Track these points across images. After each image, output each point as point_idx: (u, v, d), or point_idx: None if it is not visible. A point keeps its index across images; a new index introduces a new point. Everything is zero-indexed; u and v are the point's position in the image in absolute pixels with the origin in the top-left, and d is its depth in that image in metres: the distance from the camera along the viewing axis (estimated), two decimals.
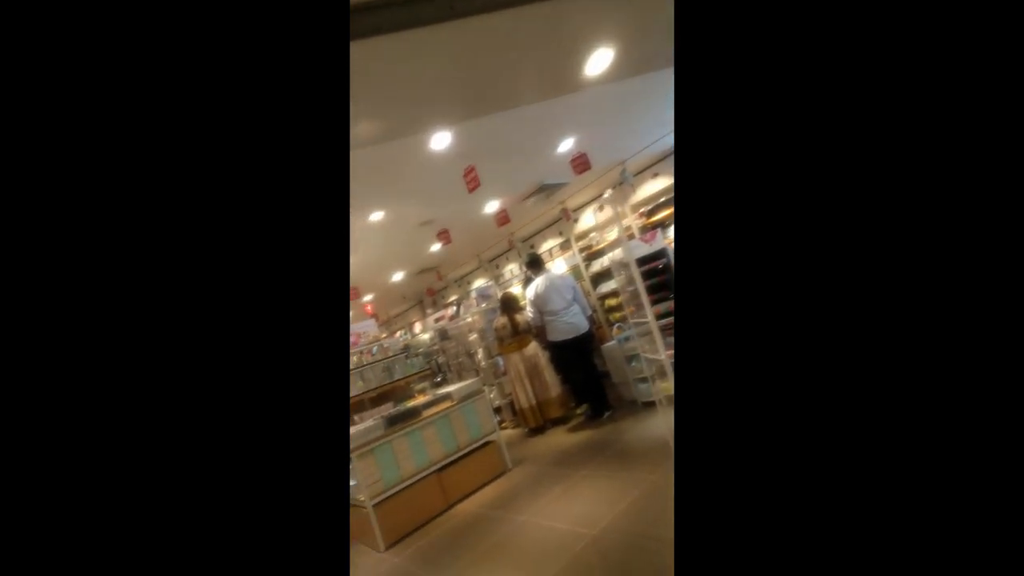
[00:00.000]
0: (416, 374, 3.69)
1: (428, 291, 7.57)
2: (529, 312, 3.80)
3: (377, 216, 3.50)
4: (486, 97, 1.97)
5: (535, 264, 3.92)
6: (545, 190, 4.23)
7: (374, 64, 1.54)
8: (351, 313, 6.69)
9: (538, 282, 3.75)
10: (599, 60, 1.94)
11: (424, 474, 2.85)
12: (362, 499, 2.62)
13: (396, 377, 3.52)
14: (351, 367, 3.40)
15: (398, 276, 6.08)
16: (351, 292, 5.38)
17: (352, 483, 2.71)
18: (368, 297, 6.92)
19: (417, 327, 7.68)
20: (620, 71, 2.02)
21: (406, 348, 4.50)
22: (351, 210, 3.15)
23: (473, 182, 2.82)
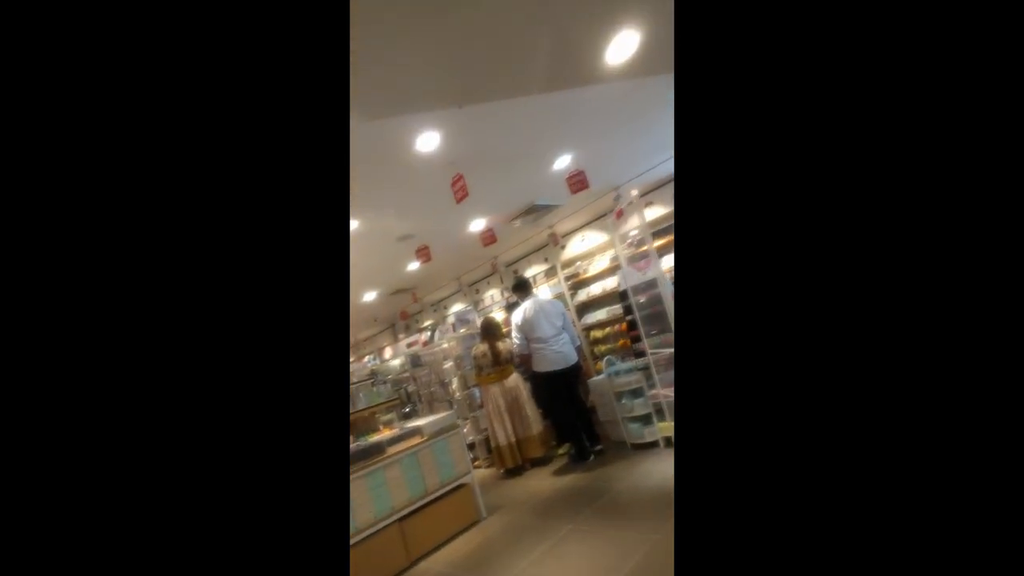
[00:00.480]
0: (382, 404, 3.28)
1: (402, 314, 7.17)
2: (515, 339, 3.46)
3: (352, 225, 3.17)
4: (489, 78, 1.70)
5: (522, 287, 3.63)
6: (535, 211, 4.00)
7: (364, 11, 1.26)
8: None
9: (526, 306, 3.45)
10: (623, 45, 1.71)
11: (384, 523, 2.42)
12: None
13: (360, 407, 3.11)
14: None
15: (370, 296, 5.69)
16: None
17: None
18: None
19: (387, 352, 7.23)
20: (644, 63, 1.80)
21: (373, 374, 4.09)
22: None
23: (461, 191, 2.54)
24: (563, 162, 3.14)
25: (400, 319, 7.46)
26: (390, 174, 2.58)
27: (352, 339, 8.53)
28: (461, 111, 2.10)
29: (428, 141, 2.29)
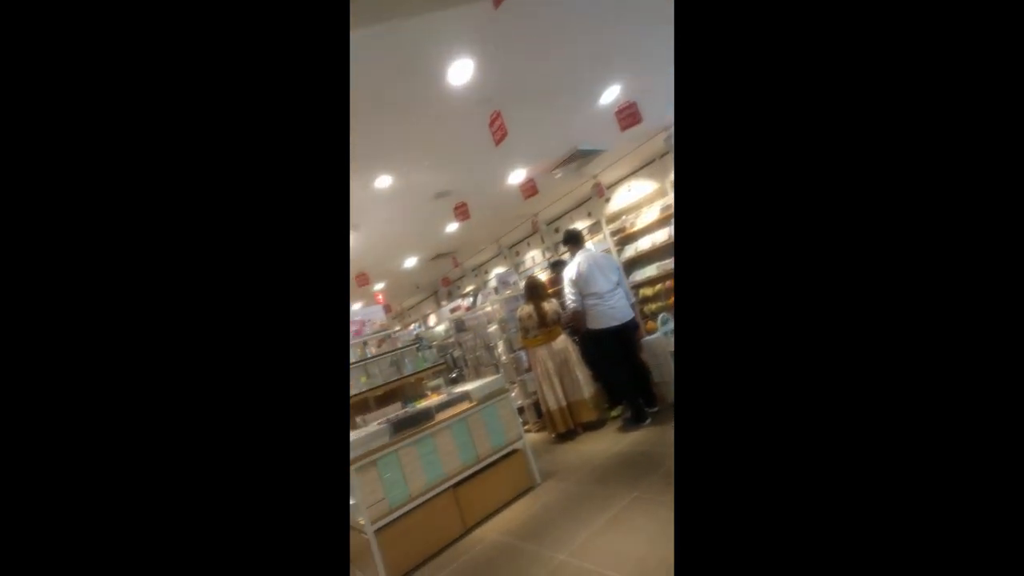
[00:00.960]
0: (429, 369, 3.17)
1: (443, 280, 7.09)
2: (569, 295, 3.21)
3: (385, 182, 2.98)
4: None
5: (574, 239, 3.31)
6: (578, 158, 3.67)
7: None
8: (359, 302, 6.23)
9: (579, 259, 3.17)
10: None
11: (437, 491, 2.33)
12: (361, 523, 2.11)
13: (406, 372, 3.01)
14: (352, 361, 2.89)
15: (411, 262, 5.59)
16: (361, 278, 4.91)
17: (351, 503, 2.21)
18: (379, 285, 6.45)
19: (432, 319, 7.21)
20: None
21: (418, 340, 4.01)
22: (354, 173, 2.64)
23: (500, 131, 2.28)
24: (611, 95, 2.78)
25: (442, 285, 7.39)
26: (423, 117, 2.34)
27: (397, 307, 8.57)
28: (497, 27, 1.81)
29: (462, 71, 2.02)
